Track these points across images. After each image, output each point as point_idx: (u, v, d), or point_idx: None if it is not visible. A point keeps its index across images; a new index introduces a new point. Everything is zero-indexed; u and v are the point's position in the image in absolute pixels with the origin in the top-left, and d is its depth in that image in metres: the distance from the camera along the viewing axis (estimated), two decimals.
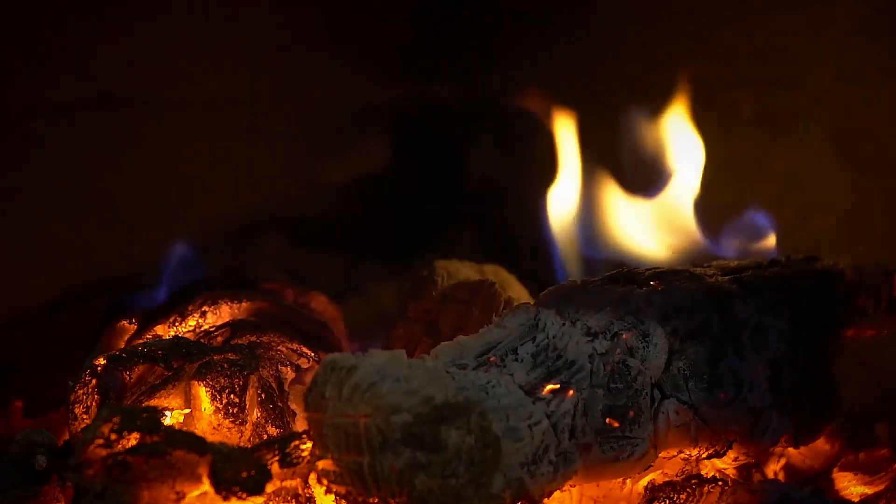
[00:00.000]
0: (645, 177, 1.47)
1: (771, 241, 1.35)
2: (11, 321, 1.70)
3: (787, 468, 1.27)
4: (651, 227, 1.41)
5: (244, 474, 0.95)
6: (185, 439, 0.96)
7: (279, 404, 1.17)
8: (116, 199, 1.81)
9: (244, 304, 1.29)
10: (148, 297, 1.35)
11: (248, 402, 1.14)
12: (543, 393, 0.99)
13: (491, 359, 1.01)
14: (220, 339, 1.25)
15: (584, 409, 1.00)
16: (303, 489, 1.08)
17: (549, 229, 1.43)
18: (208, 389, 1.13)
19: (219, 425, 1.13)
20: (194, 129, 1.90)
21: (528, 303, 1.11)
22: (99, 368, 1.16)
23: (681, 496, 1.10)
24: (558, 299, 1.10)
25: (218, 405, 1.13)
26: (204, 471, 0.95)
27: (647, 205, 1.43)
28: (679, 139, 1.47)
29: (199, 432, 1.09)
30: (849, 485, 1.24)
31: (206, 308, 1.28)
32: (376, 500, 0.93)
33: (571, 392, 1.00)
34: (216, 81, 1.91)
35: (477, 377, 0.97)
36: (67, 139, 1.74)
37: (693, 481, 1.11)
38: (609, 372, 1.02)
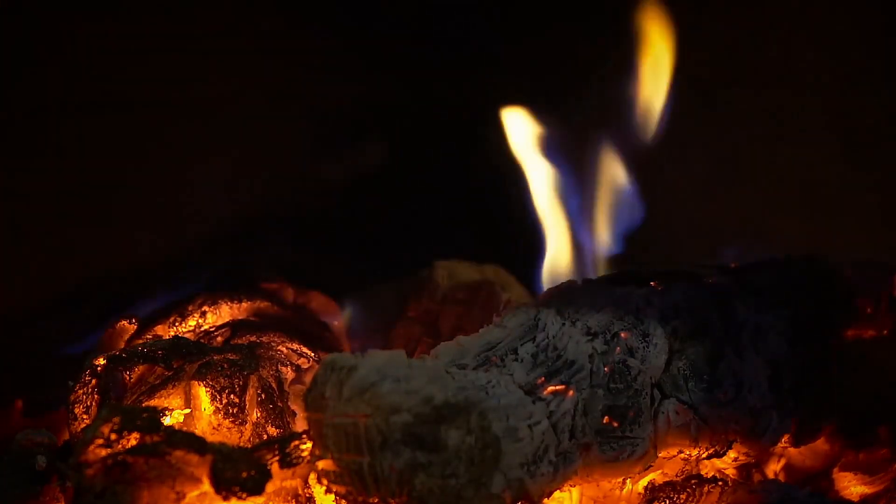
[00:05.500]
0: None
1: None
2: (11, 321, 1.70)
3: (787, 468, 1.27)
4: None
5: (244, 474, 0.95)
6: (185, 439, 0.96)
7: (279, 404, 1.17)
8: (116, 199, 1.81)
9: (244, 304, 1.29)
10: (148, 297, 1.35)
11: (248, 402, 1.14)
12: (544, 393, 0.99)
13: (492, 359, 1.01)
14: (220, 339, 1.25)
15: (584, 409, 1.00)
16: (303, 489, 1.08)
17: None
18: (208, 389, 1.13)
19: (219, 425, 1.13)
20: (194, 129, 1.90)
21: (528, 303, 1.11)
22: (99, 368, 1.16)
23: (681, 496, 1.10)
24: (558, 299, 1.10)
25: (218, 405, 1.13)
26: (204, 471, 0.95)
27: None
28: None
29: (199, 432, 1.09)
30: (849, 485, 1.24)
31: (206, 308, 1.28)
32: (376, 500, 0.93)
33: (571, 392, 1.00)
34: (216, 81, 1.91)
35: (477, 377, 0.97)
36: (68, 139, 1.73)
37: (693, 481, 1.11)
38: (609, 372, 1.02)
